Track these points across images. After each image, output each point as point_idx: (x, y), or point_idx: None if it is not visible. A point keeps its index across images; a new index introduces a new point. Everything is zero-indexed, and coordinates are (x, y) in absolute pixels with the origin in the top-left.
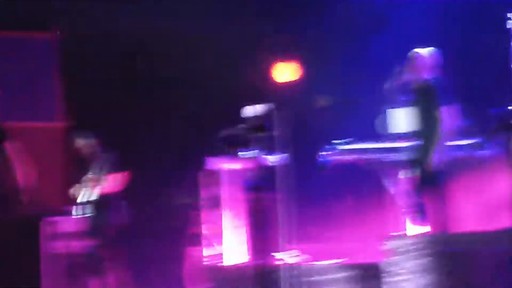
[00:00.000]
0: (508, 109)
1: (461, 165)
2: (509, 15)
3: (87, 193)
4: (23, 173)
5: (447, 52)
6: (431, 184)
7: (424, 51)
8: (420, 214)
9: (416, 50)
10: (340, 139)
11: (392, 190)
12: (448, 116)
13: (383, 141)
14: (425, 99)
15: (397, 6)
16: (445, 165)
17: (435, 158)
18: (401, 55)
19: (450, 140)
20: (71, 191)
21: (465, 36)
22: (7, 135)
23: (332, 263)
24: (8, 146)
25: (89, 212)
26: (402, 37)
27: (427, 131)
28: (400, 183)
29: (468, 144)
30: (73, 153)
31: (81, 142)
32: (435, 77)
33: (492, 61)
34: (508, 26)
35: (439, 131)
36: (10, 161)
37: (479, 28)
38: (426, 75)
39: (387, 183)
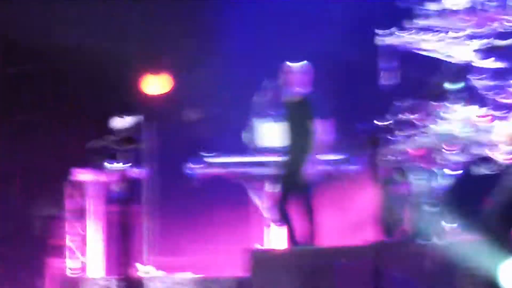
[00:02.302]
0: (375, 124)
1: (328, 179)
2: (378, 31)
3: None
4: None
5: (318, 66)
6: (300, 197)
7: (297, 65)
8: (287, 227)
9: (289, 63)
10: (209, 152)
11: (259, 203)
12: (321, 130)
13: (251, 154)
14: (298, 113)
15: (270, 21)
16: (315, 178)
17: (306, 171)
18: (273, 69)
19: (321, 154)
20: None
21: (336, 51)
22: None
23: (191, 277)
24: None
25: None
26: (273, 51)
27: (300, 144)
28: (269, 196)
29: (336, 158)
30: None
31: None
32: (308, 91)
33: (361, 76)
34: (377, 43)
35: (312, 145)
36: None
37: (349, 43)
38: (299, 89)
39: (254, 196)
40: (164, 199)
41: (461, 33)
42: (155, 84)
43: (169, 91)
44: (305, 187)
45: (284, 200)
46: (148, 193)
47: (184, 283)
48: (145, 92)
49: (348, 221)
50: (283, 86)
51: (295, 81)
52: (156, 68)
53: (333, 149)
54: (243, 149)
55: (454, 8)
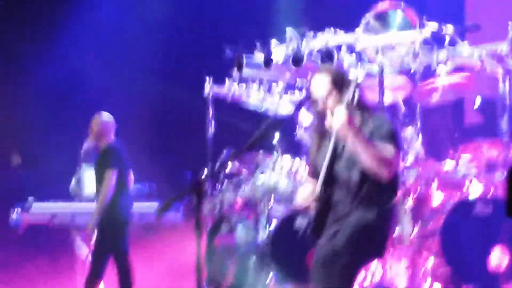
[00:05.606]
0: (202, 173)
1: (149, 229)
2: (207, 79)
3: None
4: None
5: (147, 113)
6: (113, 246)
7: (106, 116)
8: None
9: (98, 114)
10: (34, 199)
11: (85, 253)
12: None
13: (77, 201)
14: (102, 160)
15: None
16: (127, 226)
17: (111, 218)
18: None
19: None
20: None
21: (166, 99)
22: None
23: None
24: None
25: None
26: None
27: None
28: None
29: (159, 207)
30: None
31: None
32: (111, 140)
33: (190, 124)
34: (206, 91)
35: (105, 192)
36: None
37: (179, 92)
38: (108, 138)
39: (81, 245)
40: None
41: (282, 85)
42: None
43: None
44: (120, 236)
45: (100, 248)
46: None
47: None
48: None
49: (170, 272)
50: (93, 136)
51: (105, 130)
52: None
53: (156, 198)
54: (70, 196)
55: (281, 59)
